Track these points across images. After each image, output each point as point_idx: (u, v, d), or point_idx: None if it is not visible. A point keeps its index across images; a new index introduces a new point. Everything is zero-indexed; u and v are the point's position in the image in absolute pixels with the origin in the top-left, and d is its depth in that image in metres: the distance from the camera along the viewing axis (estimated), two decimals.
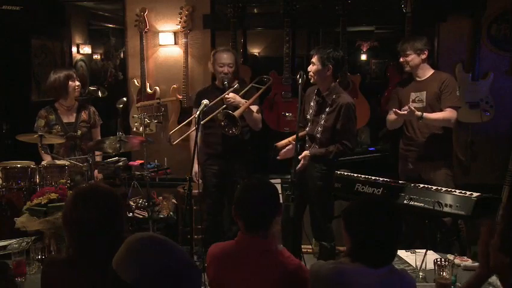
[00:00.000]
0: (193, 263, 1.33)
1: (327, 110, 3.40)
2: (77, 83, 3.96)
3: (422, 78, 3.65)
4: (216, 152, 3.84)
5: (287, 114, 4.44)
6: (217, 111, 3.52)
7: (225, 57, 3.73)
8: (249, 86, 3.84)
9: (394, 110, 3.52)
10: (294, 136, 3.31)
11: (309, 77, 3.43)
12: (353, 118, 3.43)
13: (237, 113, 3.50)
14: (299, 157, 3.34)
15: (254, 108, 3.74)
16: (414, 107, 3.49)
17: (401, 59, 3.67)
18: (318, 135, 3.44)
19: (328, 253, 3.51)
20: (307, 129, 3.56)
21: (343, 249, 3.69)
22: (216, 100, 3.57)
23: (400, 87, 3.80)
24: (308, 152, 3.42)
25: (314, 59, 3.38)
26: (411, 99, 3.64)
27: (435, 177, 3.55)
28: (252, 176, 3.80)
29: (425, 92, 3.60)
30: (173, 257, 1.22)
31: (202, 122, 3.39)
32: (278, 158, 3.54)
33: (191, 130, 3.75)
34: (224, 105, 3.61)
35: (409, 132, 3.70)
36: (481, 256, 1.76)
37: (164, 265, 1.19)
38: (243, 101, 3.64)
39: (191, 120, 3.80)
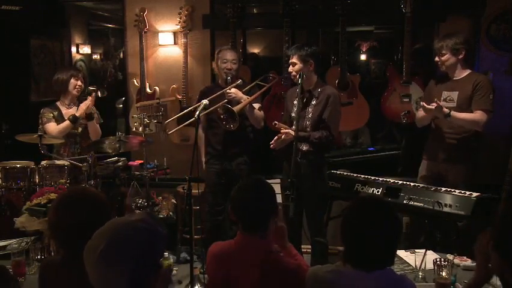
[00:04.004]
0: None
1: (313, 102, 3.42)
2: (79, 82, 3.97)
3: (457, 78, 3.50)
4: (218, 152, 3.84)
5: None
6: (218, 104, 3.51)
7: (229, 54, 3.78)
8: (253, 83, 3.87)
9: (422, 103, 3.42)
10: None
11: (292, 77, 3.45)
12: (339, 108, 3.49)
13: (237, 108, 3.50)
14: (280, 132, 3.34)
15: (256, 105, 3.75)
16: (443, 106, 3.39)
17: (436, 58, 3.51)
18: (308, 129, 3.41)
19: (322, 248, 3.52)
20: (293, 127, 3.46)
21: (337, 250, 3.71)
22: (217, 93, 3.59)
23: (434, 84, 3.67)
24: (292, 131, 3.32)
25: (294, 59, 3.40)
26: (442, 98, 3.50)
27: (457, 179, 3.40)
28: (249, 175, 3.79)
29: (457, 93, 3.46)
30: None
31: (201, 115, 3.34)
32: (272, 146, 3.44)
33: (188, 121, 3.67)
34: (225, 100, 3.61)
35: (437, 131, 3.56)
36: (479, 260, 1.78)
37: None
38: (244, 96, 3.64)
39: (188, 116, 3.78)
